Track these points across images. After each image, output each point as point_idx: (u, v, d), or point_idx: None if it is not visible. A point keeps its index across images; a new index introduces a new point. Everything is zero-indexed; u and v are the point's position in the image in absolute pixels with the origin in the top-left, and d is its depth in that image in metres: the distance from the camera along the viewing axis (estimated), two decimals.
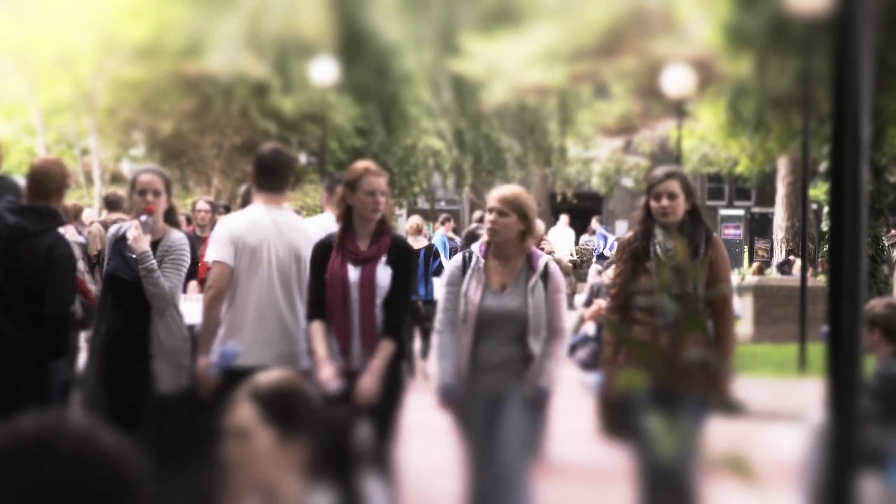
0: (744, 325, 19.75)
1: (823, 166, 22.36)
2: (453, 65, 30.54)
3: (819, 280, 19.35)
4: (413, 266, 6.76)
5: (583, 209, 39.94)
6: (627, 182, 39.99)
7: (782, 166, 27.50)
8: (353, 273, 6.47)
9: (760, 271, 24.42)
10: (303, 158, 31.60)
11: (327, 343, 6.44)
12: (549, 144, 35.75)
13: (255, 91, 28.77)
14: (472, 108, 32.92)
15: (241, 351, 6.55)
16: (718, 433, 6.43)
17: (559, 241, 29.98)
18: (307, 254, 6.65)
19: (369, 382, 6.29)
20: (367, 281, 6.45)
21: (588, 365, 8.35)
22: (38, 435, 1.99)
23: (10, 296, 6.53)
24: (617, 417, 6.32)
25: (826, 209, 24.10)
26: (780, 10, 19.08)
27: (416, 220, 15.75)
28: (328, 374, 6.32)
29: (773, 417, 10.77)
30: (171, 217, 6.97)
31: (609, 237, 30.32)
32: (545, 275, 6.42)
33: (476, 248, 6.53)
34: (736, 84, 24.27)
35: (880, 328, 6.69)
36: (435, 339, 6.58)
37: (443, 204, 38.52)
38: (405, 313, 6.60)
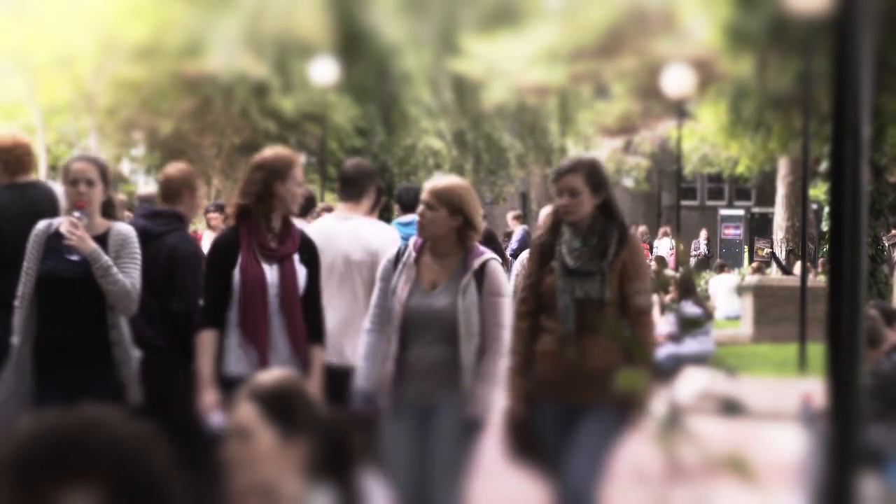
0: (744, 325, 19.75)
1: (823, 166, 22.37)
2: (453, 65, 30.55)
3: (819, 280, 19.35)
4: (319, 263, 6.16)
5: None
6: (627, 182, 40.02)
7: (782, 166, 27.49)
8: (270, 273, 5.91)
9: (760, 271, 24.43)
10: (303, 158, 31.60)
11: (212, 360, 5.83)
12: (549, 144, 35.78)
13: (255, 91, 28.79)
14: (473, 108, 32.93)
15: None
16: (718, 433, 6.42)
17: None
18: (360, 258, 6.94)
19: (315, 393, 5.80)
20: (291, 280, 5.93)
21: None
22: (141, 437, 2.04)
23: (144, 295, 6.50)
24: (524, 438, 5.69)
25: (826, 209, 24.10)
26: (781, 11, 19.08)
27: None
28: (209, 402, 5.76)
29: (773, 417, 10.77)
30: (109, 210, 6.22)
31: None
32: (481, 275, 5.77)
33: (412, 241, 5.98)
34: (736, 84, 24.28)
35: None
36: (362, 338, 6.05)
37: None
38: (323, 315, 6.10)
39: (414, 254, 5.89)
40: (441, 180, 5.93)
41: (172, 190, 6.96)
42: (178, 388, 6.38)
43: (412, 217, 9.98)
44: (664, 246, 32.73)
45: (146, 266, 6.48)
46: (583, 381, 5.55)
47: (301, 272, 5.96)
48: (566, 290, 5.61)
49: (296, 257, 5.96)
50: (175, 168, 7.19)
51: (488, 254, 5.87)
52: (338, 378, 6.49)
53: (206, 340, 5.85)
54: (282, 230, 5.96)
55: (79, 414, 2.05)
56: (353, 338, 6.65)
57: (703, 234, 35.30)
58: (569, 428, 5.60)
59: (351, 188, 7.16)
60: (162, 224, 6.78)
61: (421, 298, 5.80)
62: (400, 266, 5.91)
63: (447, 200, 5.78)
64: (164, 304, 6.64)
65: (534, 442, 5.69)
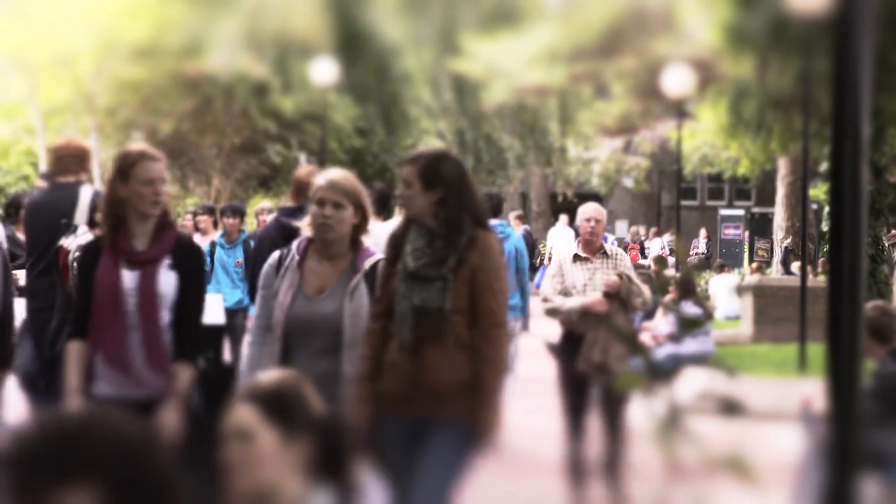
0: (744, 325, 19.74)
1: (823, 166, 22.36)
2: (453, 65, 30.53)
3: (819, 280, 19.35)
4: (203, 270, 5.59)
5: None
6: (627, 182, 40.00)
7: (782, 166, 27.48)
8: (129, 279, 5.35)
9: (760, 271, 24.43)
10: (303, 158, 31.60)
11: (80, 369, 5.30)
12: (549, 144, 35.78)
13: (255, 91, 28.77)
14: (473, 108, 32.92)
15: None
16: (718, 433, 6.41)
17: (559, 241, 30.00)
18: None
19: (172, 417, 5.24)
20: (148, 288, 5.33)
21: None
22: (142, 437, 2.04)
23: None
24: (371, 447, 5.19)
25: (826, 209, 24.08)
26: (781, 11, 19.07)
27: None
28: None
29: (773, 417, 10.77)
30: None
31: (609, 237, 30.35)
32: (372, 277, 5.27)
33: (295, 243, 5.46)
34: (737, 85, 24.27)
35: (868, 331, 6.54)
36: (246, 351, 5.51)
37: None
38: (198, 329, 5.50)
39: (297, 257, 5.37)
40: (338, 174, 5.36)
41: (307, 186, 7.37)
42: None
43: (496, 221, 10.72)
44: (656, 245, 32.70)
45: None
46: (425, 395, 5.07)
47: (169, 278, 5.39)
48: (405, 296, 5.08)
49: (166, 262, 5.40)
50: (305, 170, 8.07)
51: (380, 254, 5.37)
52: None
53: (72, 350, 5.33)
54: (154, 231, 5.42)
55: (81, 414, 2.06)
56: None
57: (703, 233, 35.25)
58: (415, 442, 5.13)
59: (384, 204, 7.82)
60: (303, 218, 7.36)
61: (305, 304, 5.27)
62: (282, 270, 5.38)
63: (353, 196, 5.28)
64: None
65: (380, 451, 5.19)
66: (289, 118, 29.50)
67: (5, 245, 7.00)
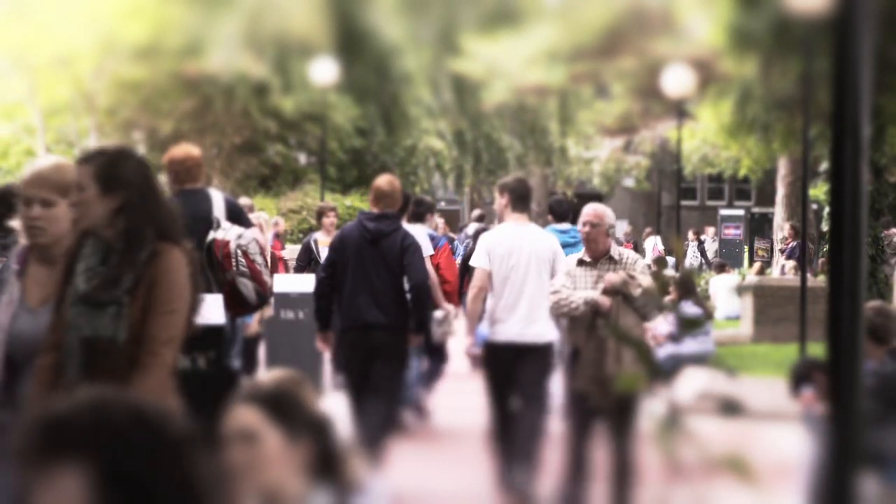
0: (744, 325, 19.74)
1: (823, 166, 22.36)
2: (453, 65, 30.53)
3: (819, 280, 19.34)
4: None
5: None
6: (628, 182, 40.02)
7: (782, 166, 27.47)
8: None
9: (761, 271, 24.43)
10: (303, 158, 31.59)
11: None
12: (549, 144, 35.78)
13: (255, 91, 28.77)
14: (473, 108, 32.91)
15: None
16: (718, 433, 6.39)
17: None
18: (546, 256, 8.22)
19: None
20: None
21: None
22: (135, 423, 2.04)
23: (375, 283, 8.53)
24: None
25: (826, 209, 24.08)
26: (782, 11, 19.06)
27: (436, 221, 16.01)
28: None
29: (773, 417, 10.77)
30: None
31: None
32: None
33: (15, 252, 4.72)
34: (739, 85, 24.25)
35: (865, 333, 6.47)
36: None
37: (443, 204, 38.54)
38: None
39: (16, 266, 4.62)
40: (44, 165, 4.63)
41: (388, 195, 8.83)
42: (398, 356, 8.56)
43: (567, 226, 11.34)
44: (649, 245, 32.61)
45: (383, 258, 8.46)
46: None
47: None
48: (72, 326, 4.29)
49: None
50: (384, 178, 9.06)
51: None
52: (530, 354, 8.10)
53: None
54: None
55: (100, 394, 2.03)
56: (537, 320, 8.15)
57: (691, 234, 34.95)
58: None
59: (524, 202, 8.51)
60: (390, 224, 8.71)
61: (29, 319, 4.53)
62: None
63: (64, 189, 4.49)
64: (394, 286, 8.54)
65: None
66: (289, 118, 29.51)
67: None
